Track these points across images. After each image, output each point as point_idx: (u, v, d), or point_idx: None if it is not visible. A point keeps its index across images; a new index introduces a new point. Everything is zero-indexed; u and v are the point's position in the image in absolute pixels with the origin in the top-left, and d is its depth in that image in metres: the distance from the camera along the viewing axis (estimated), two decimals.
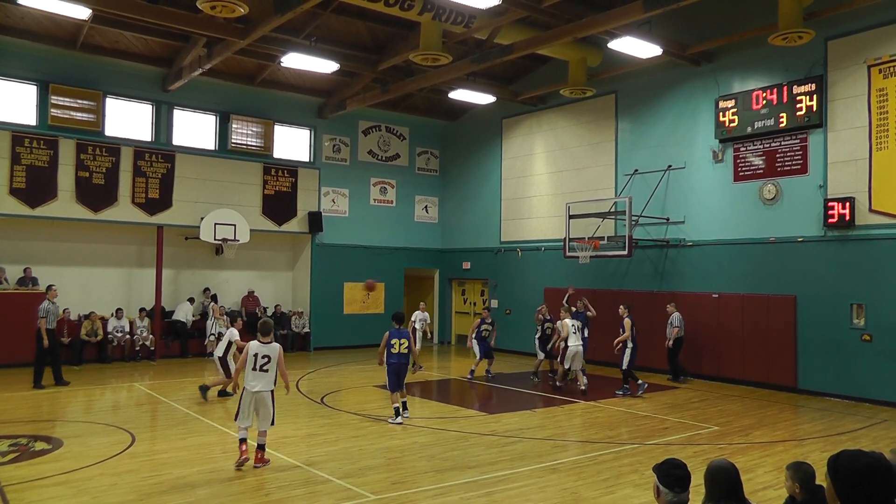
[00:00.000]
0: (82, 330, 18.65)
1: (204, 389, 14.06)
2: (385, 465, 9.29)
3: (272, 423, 9.28)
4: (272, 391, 9.27)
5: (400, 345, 11.98)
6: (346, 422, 12.19)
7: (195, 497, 7.94)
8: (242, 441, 9.16)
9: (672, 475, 4.11)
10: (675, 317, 17.19)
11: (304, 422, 12.20)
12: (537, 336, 17.79)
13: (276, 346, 9.29)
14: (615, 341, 15.33)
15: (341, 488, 8.26)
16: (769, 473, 9.04)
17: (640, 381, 15.26)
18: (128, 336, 19.61)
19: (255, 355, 9.12)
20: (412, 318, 19.57)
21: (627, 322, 15.15)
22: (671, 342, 17.14)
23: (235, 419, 9.36)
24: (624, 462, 9.65)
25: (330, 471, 8.97)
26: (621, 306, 15.67)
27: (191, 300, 21.09)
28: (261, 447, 9.18)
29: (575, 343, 15.24)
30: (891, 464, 2.97)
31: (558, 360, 15.90)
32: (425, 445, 10.44)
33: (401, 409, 12.02)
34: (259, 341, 9.22)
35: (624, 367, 15.17)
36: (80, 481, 8.39)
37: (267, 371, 9.15)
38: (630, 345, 15.15)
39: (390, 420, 11.96)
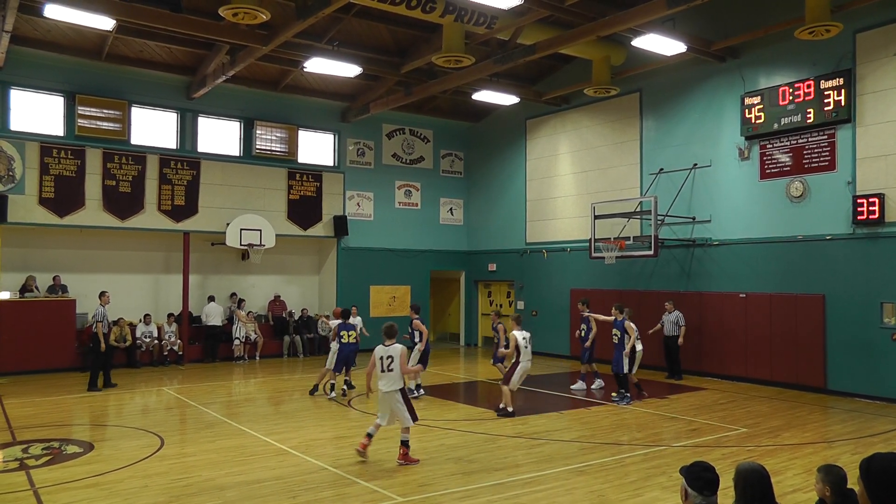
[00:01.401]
0: (111, 336, 18.72)
1: (331, 388, 15.09)
2: (412, 468, 9.29)
3: (413, 420, 9.64)
4: (401, 389, 9.66)
5: (349, 335, 15.07)
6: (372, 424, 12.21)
7: (224, 499, 8.00)
8: (368, 435, 9.74)
9: (701, 478, 4.07)
10: (680, 315, 17.14)
11: (332, 424, 12.24)
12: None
13: (399, 347, 9.75)
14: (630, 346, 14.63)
15: (368, 490, 8.29)
16: (798, 476, 8.91)
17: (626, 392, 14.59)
18: (156, 341, 19.81)
19: (381, 358, 9.68)
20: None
21: (630, 325, 14.48)
22: (681, 339, 17.05)
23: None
24: (651, 464, 9.57)
25: (357, 473, 9.01)
26: (614, 308, 14.99)
27: (211, 298, 20.95)
28: (403, 443, 9.63)
29: (526, 360, 13.05)
30: None
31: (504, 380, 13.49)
32: (452, 447, 10.43)
33: (334, 388, 14.89)
34: (383, 345, 9.77)
35: (625, 370, 14.50)
36: (111, 484, 8.51)
37: (392, 371, 9.61)
38: (626, 349, 14.56)
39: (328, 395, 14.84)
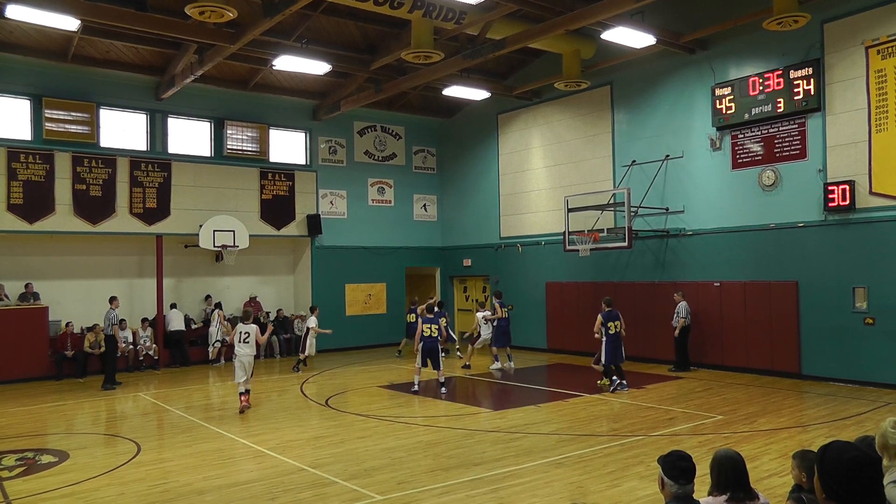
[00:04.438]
0: (85, 342, 18.56)
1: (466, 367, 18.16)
2: (390, 466, 9.27)
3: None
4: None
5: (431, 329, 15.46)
6: (351, 423, 12.19)
7: (203, 503, 7.93)
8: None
9: (677, 467, 4.08)
10: (682, 306, 17.13)
11: (310, 424, 12.18)
12: None
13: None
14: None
15: (347, 490, 8.25)
16: (774, 461, 9.01)
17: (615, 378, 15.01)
18: (131, 346, 19.56)
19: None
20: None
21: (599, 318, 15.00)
22: (678, 332, 17.08)
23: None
24: (629, 454, 9.62)
25: (336, 472, 8.96)
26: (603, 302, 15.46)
27: (173, 305, 20.67)
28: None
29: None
30: (878, 457, 2.94)
31: None
32: (430, 444, 10.43)
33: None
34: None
35: (604, 361, 14.92)
36: (87, 492, 8.40)
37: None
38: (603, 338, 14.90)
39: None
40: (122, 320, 19.54)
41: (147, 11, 15.12)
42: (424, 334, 14.87)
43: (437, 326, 15.10)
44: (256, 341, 13.57)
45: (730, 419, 11.75)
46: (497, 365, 18.31)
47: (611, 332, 14.85)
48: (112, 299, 17.08)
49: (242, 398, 13.33)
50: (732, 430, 10.98)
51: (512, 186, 23.17)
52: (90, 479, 8.96)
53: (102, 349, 18.76)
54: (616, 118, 19.85)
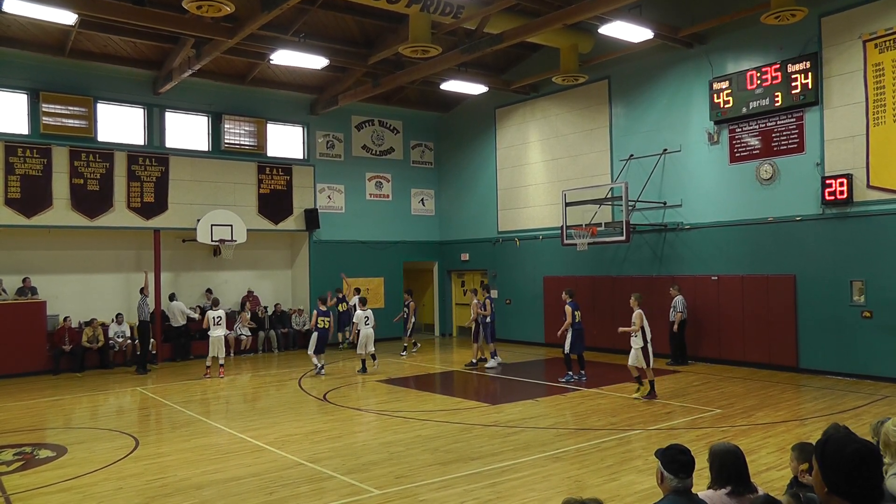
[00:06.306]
0: (83, 337, 18.57)
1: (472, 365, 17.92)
2: (388, 460, 9.27)
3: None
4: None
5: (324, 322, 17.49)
6: (348, 417, 12.22)
7: (200, 498, 7.93)
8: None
9: (677, 461, 4.08)
10: (678, 300, 17.14)
11: (308, 419, 12.18)
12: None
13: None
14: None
15: (345, 484, 8.26)
16: (772, 454, 9.02)
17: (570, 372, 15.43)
18: (129, 341, 19.53)
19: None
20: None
21: (568, 309, 15.25)
22: (676, 326, 17.10)
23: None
24: (627, 448, 9.64)
25: (334, 467, 8.96)
26: (563, 292, 15.82)
27: (171, 296, 20.51)
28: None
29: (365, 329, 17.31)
30: (878, 448, 2.93)
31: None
32: (428, 438, 10.43)
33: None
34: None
35: (567, 350, 15.33)
36: (85, 487, 8.39)
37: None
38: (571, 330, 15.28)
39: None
40: (119, 314, 19.61)
41: (145, 6, 15.04)
42: (319, 326, 17.06)
43: (328, 319, 17.60)
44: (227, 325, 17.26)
45: (727, 413, 11.77)
46: (495, 360, 18.05)
47: (577, 320, 15.22)
48: (142, 289, 18.43)
49: (220, 370, 17.02)
50: (730, 423, 11.00)
51: (510, 181, 23.15)
52: (88, 473, 8.96)
53: (101, 343, 18.82)
54: (614, 112, 19.84)
